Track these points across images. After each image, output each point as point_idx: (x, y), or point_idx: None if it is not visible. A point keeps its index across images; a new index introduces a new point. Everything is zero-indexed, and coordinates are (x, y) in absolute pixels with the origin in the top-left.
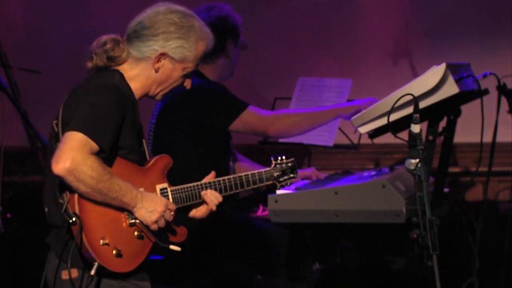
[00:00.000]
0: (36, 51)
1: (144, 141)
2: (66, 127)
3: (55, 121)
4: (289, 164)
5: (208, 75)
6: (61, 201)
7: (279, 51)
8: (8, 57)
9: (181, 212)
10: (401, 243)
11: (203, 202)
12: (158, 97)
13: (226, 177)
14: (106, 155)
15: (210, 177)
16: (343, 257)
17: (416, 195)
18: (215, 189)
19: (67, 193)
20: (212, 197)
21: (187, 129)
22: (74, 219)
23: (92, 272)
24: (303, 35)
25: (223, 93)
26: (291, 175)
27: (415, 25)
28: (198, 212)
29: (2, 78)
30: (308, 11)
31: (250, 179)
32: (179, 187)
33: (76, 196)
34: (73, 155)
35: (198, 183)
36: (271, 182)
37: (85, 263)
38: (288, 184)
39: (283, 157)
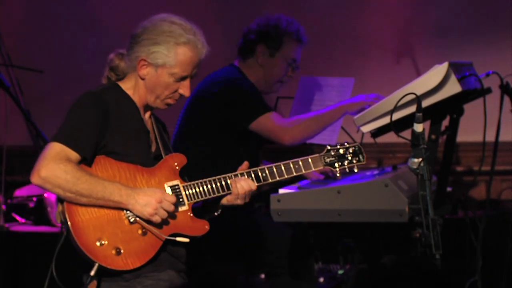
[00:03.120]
0: (38, 50)
1: (160, 144)
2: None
3: None
4: (351, 149)
5: (246, 73)
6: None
7: None
8: (10, 56)
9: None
10: (404, 242)
11: (223, 195)
12: (159, 105)
13: (259, 168)
14: (89, 161)
15: (243, 168)
16: (346, 256)
17: (419, 194)
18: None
19: (59, 201)
20: (243, 183)
21: (210, 120)
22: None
23: (92, 273)
24: (306, 34)
25: (250, 92)
26: (355, 159)
27: (417, 24)
28: (226, 199)
29: (5, 77)
30: (310, 10)
31: (292, 166)
32: (193, 182)
33: (65, 203)
34: (46, 163)
35: (221, 176)
36: (321, 168)
37: (86, 266)
38: (354, 169)
39: (345, 143)
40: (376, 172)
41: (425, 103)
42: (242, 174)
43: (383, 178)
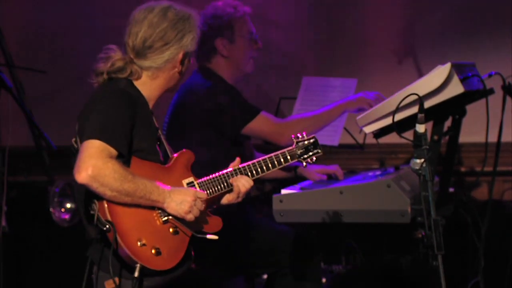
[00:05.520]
0: (40, 50)
1: (163, 140)
2: (82, 138)
3: (73, 139)
4: (311, 140)
5: (220, 74)
6: (92, 212)
7: (284, 51)
8: (13, 56)
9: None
10: (406, 243)
11: (231, 190)
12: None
13: (251, 162)
14: (125, 158)
15: (235, 164)
16: (348, 257)
17: (421, 195)
18: (244, 175)
19: (96, 202)
20: (244, 181)
21: (198, 130)
22: (107, 226)
23: (136, 274)
24: (308, 34)
25: (235, 97)
26: (315, 151)
27: (420, 24)
28: (226, 199)
29: (7, 77)
30: (313, 11)
31: (274, 160)
32: (205, 178)
33: (105, 203)
34: (93, 162)
35: (225, 171)
36: (296, 159)
37: (127, 268)
38: (314, 160)
39: (304, 135)
40: (378, 172)
41: (428, 103)
42: (239, 170)
43: (385, 179)
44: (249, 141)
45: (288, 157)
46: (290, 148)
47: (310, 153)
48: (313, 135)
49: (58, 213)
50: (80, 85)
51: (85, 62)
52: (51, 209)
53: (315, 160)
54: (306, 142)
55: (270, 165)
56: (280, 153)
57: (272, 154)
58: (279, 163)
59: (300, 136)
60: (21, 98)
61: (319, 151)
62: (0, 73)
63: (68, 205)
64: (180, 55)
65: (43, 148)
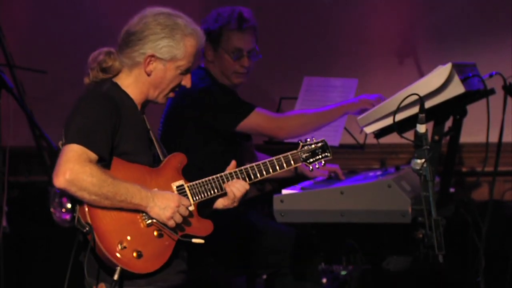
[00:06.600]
0: (41, 50)
1: (155, 142)
2: (64, 142)
3: (60, 142)
4: (319, 144)
5: (210, 71)
6: (74, 214)
7: (284, 51)
8: (13, 56)
9: (205, 206)
10: (407, 243)
11: (225, 193)
12: (160, 100)
13: (249, 165)
14: (107, 162)
15: (231, 167)
16: (348, 257)
17: (422, 195)
18: (239, 178)
19: (77, 204)
20: (238, 186)
21: (193, 131)
22: (87, 228)
23: (115, 277)
24: (309, 34)
25: (228, 96)
26: (324, 154)
27: (421, 24)
28: (221, 204)
29: (7, 77)
30: (314, 11)
31: (276, 163)
32: (196, 182)
33: (85, 205)
34: (70, 166)
35: (219, 174)
36: (300, 163)
37: (108, 271)
38: (323, 164)
39: (313, 139)
40: (379, 173)
41: (428, 104)
42: (235, 173)
43: (386, 179)
44: (249, 142)
45: (292, 161)
46: (294, 151)
47: (318, 157)
48: (322, 139)
49: (59, 213)
50: (81, 85)
51: (85, 62)
52: (51, 210)
53: (324, 164)
54: (313, 146)
55: (270, 169)
56: (283, 156)
57: (273, 158)
58: (281, 166)
59: (309, 140)
60: (22, 98)
61: (328, 154)
62: (1, 73)
63: (69, 206)
64: (147, 56)
65: (44, 148)
